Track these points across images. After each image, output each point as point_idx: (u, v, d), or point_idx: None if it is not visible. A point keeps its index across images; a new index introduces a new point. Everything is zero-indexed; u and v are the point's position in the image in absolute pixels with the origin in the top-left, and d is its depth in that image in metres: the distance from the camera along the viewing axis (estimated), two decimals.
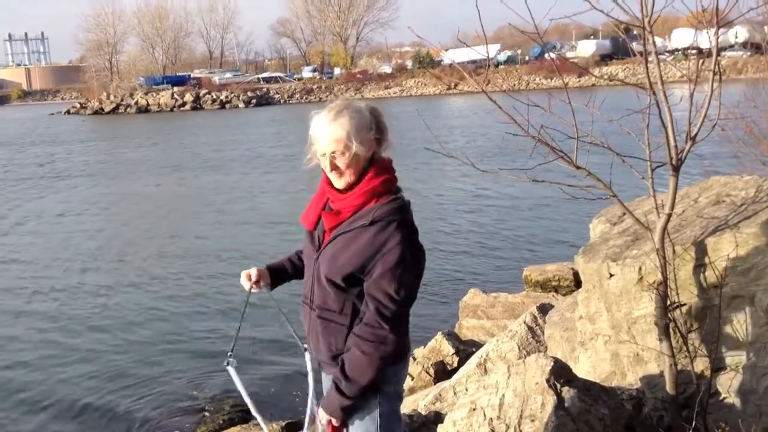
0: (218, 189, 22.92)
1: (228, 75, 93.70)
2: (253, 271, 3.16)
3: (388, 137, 2.85)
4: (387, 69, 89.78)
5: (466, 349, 7.62)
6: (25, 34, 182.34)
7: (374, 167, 2.78)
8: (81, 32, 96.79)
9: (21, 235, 17.18)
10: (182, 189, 23.67)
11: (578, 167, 3.84)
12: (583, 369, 4.41)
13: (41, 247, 15.86)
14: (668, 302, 3.73)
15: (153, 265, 13.88)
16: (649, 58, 3.76)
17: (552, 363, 3.67)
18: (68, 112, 79.69)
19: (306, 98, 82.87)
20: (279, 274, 3.24)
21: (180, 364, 9.12)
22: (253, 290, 3.14)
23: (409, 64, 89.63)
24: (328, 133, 2.74)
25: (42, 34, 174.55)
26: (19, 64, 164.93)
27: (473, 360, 5.80)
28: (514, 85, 73.21)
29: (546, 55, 72.89)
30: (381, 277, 2.68)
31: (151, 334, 10.24)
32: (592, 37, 76.28)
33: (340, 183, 2.80)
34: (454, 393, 5.29)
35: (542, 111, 3.99)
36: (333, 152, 2.74)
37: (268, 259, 3.33)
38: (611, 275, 4.14)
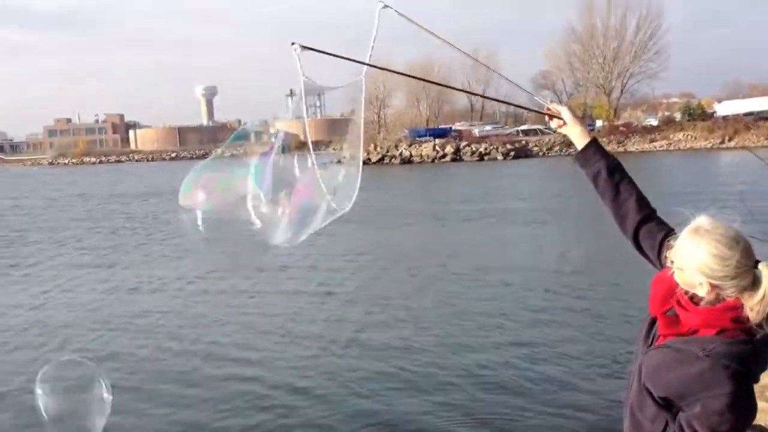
0: (475, 240, 23.02)
1: (488, 127, 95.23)
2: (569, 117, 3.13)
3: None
4: (653, 121, 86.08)
5: None
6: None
7: (734, 300, 2.46)
8: None
9: (279, 274, 18.33)
10: (440, 238, 24.06)
11: None
12: None
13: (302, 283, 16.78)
14: None
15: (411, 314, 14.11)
16: None
17: None
18: (339, 161, 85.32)
19: (566, 151, 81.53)
20: (598, 153, 3.11)
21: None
22: (551, 123, 3.18)
23: (677, 116, 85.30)
24: (677, 244, 2.56)
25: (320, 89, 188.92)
26: (298, 117, 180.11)
27: None
28: None
29: None
30: (697, 418, 2.41)
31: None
32: None
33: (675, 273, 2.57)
34: None
35: None
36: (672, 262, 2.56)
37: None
38: None
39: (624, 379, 8.91)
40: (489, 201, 35.05)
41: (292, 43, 2.80)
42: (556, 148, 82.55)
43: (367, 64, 2.96)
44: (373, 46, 2.78)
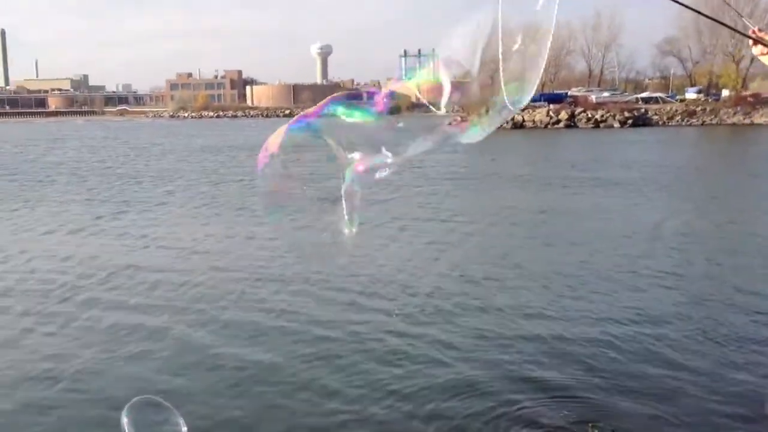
0: (588, 209, 22.37)
1: (605, 94, 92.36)
2: None
3: None
4: None
5: None
6: (419, 51, 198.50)
7: None
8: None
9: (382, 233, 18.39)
10: (551, 205, 23.52)
11: None
12: None
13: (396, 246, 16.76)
14: None
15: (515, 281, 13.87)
16: None
17: None
18: (450, 124, 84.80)
19: (687, 121, 78.25)
20: None
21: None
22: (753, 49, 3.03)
23: None
24: None
25: (433, 50, 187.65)
26: (410, 78, 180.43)
27: None
28: None
29: None
30: None
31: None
32: None
33: None
34: None
35: None
36: None
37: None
38: None
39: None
40: (600, 169, 33.98)
41: None
42: (677, 117, 79.25)
43: None
44: None
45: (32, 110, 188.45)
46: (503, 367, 9.23)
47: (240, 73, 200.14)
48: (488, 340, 10.29)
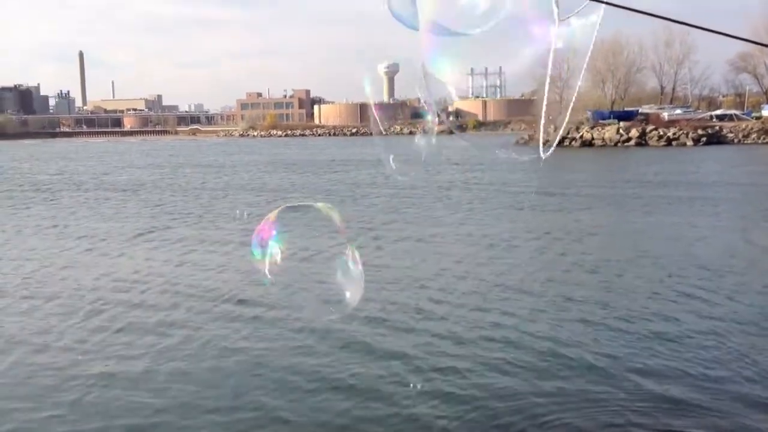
0: (655, 230, 21.84)
1: (678, 111, 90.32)
2: None
3: None
4: None
5: None
6: (485, 69, 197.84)
7: None
8: (538, 67, 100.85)
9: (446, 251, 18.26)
10: (618, 227, 23.04)
11: None
12: None
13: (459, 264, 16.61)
14: None
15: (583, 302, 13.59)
16: None
17: None
18: (517, 143, 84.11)
19: (764, 139, 75.92)
20: None
21: None
22: None
23: None
24: None
25: (500, 69, 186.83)
26: (477, 97, 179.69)
27: None
28: None
29: None
30: None
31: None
32: None
33: None
34: None
35: None
36: None
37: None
38: None
39: None
40: (672, 188, 33.20)
41: None
42: (753, 135, 76.97)
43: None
44: None
45: (108, 129, 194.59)
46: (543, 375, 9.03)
47: (308, 92, 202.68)
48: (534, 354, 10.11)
